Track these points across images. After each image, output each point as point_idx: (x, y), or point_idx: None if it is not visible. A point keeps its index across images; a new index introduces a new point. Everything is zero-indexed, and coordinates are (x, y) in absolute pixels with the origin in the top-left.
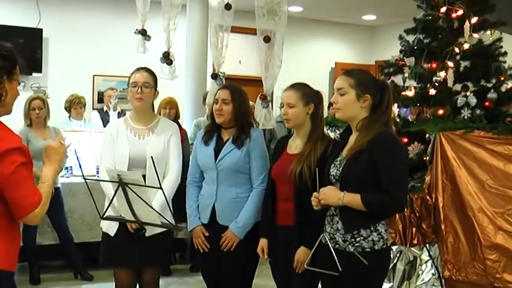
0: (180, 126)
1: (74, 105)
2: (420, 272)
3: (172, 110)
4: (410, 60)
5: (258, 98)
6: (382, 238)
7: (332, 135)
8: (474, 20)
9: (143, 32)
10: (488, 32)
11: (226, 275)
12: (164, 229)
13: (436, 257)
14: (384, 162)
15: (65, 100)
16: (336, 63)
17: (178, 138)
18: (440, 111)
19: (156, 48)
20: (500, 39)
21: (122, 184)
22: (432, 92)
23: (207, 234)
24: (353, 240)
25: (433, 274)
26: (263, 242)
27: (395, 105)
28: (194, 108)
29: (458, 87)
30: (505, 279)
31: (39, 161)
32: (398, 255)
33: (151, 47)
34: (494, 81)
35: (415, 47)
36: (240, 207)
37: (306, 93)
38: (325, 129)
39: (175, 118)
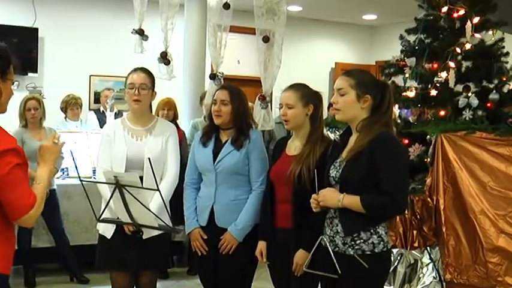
0: (178, 127)
1: (70, 106)
2: (421, 275)
3: (170, 111)
4: (411, 61)
5: (257, 99)
6: (382, 241)
7: (332, 136)
8: (476, 19)
9: (140, 32)
10: (490, 32)
11: (225, 278)
12: (161, 232)
13: (437, 260)
14: (384, 164)
15: (61, 100)
16: (335, 63)
17: (176, 140)
18: (442, 112)
19: (153, 48)
20: (502, 40)
21: (118, 186)
22: (433, 92)
23: (205, 237)
24: (353, 243)
25: (434, 277)
26: (262, 245)
27: (396, 106)
28: (192, 109)
29: (459, 88)
30: (507, 282)
31: (35, 162)
32: (399, 258)
33: (149, 47)
34: (496, 81)
35: (416, 47)
36: (239, 210)
37: (305, 94)
38: (324, 130)
39: (174, 119)
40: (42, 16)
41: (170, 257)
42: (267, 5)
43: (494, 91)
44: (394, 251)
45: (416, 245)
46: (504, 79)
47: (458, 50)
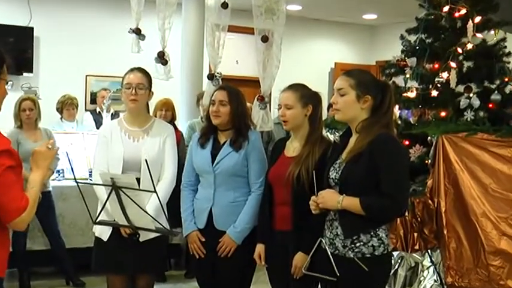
0: (176, 128)
1: (66, 106)
2: (422, 279)
3: (168, 111)
4: (411, 61)
5: (255, 99)
6: (382, 243)
7: (332, 137)
8: (477, 19)
9: (137, 31)
10: (492, 32)
11: (223, 281)
12: (158, 234)
13: (438, 263)
14: (384, 165)
15: (56, 101)
16: (335, 63)
17: (174, 140)
18: (443, 113)
19: (150, 48)
20: (504, 39)
21: (115, 188)
22: (434, 93)
23: (203, 240)
24: (353, 245)
25: (435, 280)
26: (260, 248)
27: (397, 106)
28: (190, 110)
29: (461, 88)
30: (509, 286)
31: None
32: (399, 261)
33: (146, 47)
34: (498, 82)
35: (417, 47)
36: (237, 212)
37: (304, 95)
38: (324, 131)
39: (172, 120)
40: (37, 15)
41: (167, 260)
42: (266, 4)
43: (496, 92)
44: (395, 253)
45: (417, 247)
46: (506, 79)
47: (459, 50)
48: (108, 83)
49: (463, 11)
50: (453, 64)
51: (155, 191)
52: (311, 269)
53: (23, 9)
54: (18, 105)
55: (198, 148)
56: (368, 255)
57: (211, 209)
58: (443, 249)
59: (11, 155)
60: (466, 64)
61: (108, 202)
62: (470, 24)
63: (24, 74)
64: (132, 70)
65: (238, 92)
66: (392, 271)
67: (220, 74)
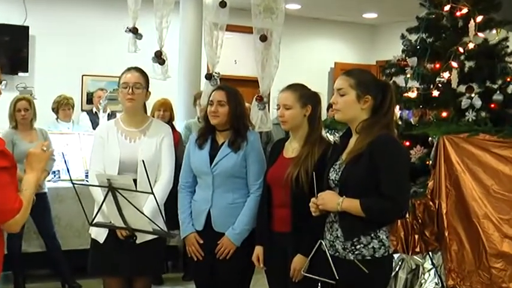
0: (174, 128)
1: (61, 107)
2: (423, 281)
3: (166, 112)
4: (412, 61)
5: (254, 100)
6: (383, 245)
7: (331, 138)
8: (479, 18)
9: (134, 31)
10: (494, 31)
11: (221, 284)
12: (156, 236)
13: (440, 266)
14: (384, 166)
15: (52, 101)
16: (335, 63)
17: (171, 141)
18: (444, 114)
19: (147, 47)
20: (506, 39)
21: (111, 189)
22: (435, 93)
23: (201, 242)
24: (353, 248)
25: (436, 283)
26: (258, 250)
27: (397, 107)
28: (187, 110)
29: (462, 88)
30: None
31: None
32: (400, 263)
33: (143, 46)
34: (500, 82)
35: (418, 47)
36: (236, 213)
37: (304, 95)
38: (323, 132)
39: (170, 120)
40: (33, 14)
41: (165, 263)
42: (265, 3)
43: (498, 92)
44: (395, 256)
45: (418, 250)
46: (508, 79)
47: (461, 49)
48: (104, 82)
49: (465, 10)
50: (454, 64)
51: (152, 193)
52: (310, 271)
53: (18, 8)
54: (13, 105)
55: (195, 149)
56: (368, 258)
57: (209, 211)
58: (445, 251)
59: (5, 155)
60: (468, 64)
61: (104, 204)
62: (471, 23)
63: (20, 74)
64: (129, 69)
65: (236, 92)
66: (392, 273)
67: (219, 73)
